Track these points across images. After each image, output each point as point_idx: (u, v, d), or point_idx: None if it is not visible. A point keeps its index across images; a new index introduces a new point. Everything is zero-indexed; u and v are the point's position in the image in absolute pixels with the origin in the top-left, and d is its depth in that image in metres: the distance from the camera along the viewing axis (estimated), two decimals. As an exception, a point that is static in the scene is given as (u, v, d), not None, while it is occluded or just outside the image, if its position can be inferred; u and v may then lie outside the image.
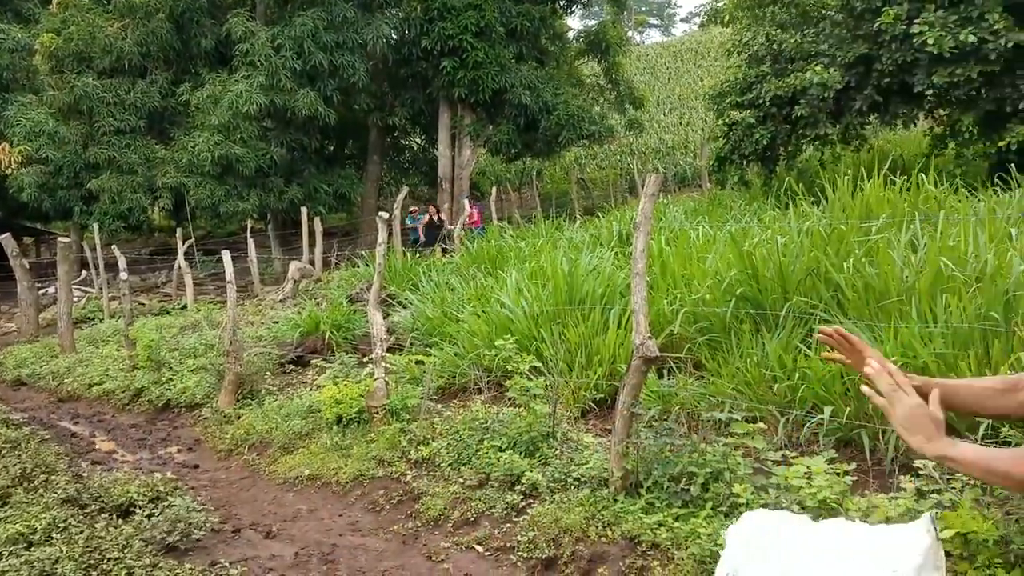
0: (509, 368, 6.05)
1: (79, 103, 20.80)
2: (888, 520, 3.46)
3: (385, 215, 6.60)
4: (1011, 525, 3.25)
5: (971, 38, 10.57)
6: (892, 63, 11.57)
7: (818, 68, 12.19)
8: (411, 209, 19.62)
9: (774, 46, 13.79)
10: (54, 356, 11.30)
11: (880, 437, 4.49)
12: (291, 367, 8.83)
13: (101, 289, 16.61)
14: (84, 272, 21.65)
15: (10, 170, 21.31)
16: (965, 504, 3.17)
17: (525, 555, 4.14)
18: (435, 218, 18.55)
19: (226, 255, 8.59)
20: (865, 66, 12.21)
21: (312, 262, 16.66)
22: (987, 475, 1.76)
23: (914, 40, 11.03)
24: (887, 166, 7.64)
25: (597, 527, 4.12)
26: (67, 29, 20.94)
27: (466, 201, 18.93)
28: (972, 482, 3.45)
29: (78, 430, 7.90)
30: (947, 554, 3.26)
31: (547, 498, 4.56)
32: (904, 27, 11.18)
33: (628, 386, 4.28)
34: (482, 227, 17.95)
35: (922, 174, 7.77)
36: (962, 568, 3.08)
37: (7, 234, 13.67)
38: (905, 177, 7.47)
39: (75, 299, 17.96)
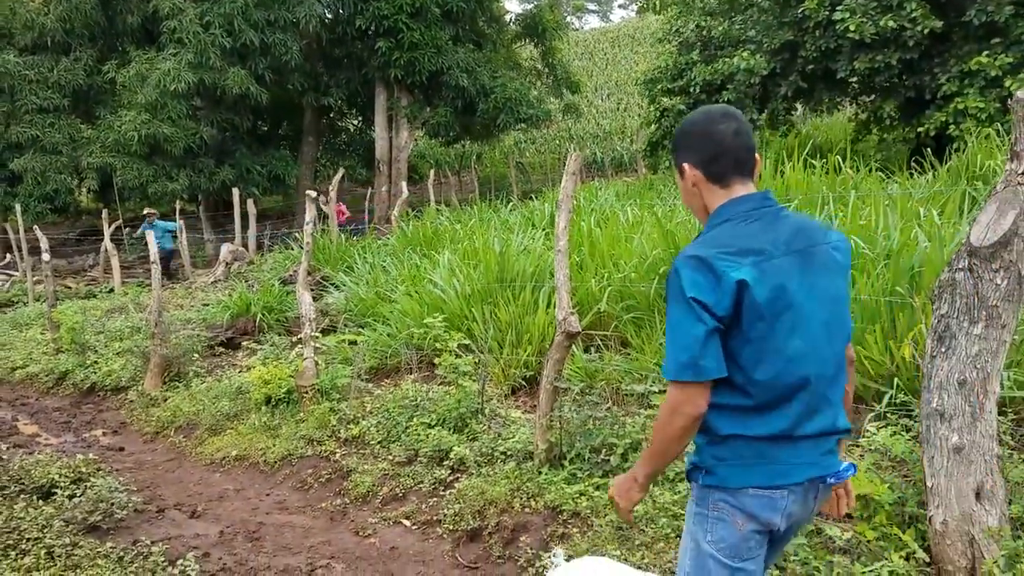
0: (439, 347, 6.11)
1: (0, 81, 20.02)
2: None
3: (313, 194, 6.57)
4: (907, 488, 3.44)
5: (891, 24, 10.91)
6: (816, 49, 11.88)
7: (745, 54, 12.46)
8: (147, 212, 17.23)
9: (704, 33, 14.05)
10: (-27, 340, 10.95)
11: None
12: (221, 349, 8.73)
13: (25, 272, 16.10)
14: (8, 255, 20.93)
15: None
16: (863, 468, 3.35)
17: (451, 527, 4.22)
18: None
19: (150, 235, 8.44)
20: (791, 52, 12.52)
21: (245, 244, 16.41)
22: (661, 454, 1.97)
23: (837, 26, 11.35)
24: (808, 151, 7.89)
25: (521, 498, 4.22)
26: (-15, 3, 20.14)
27: (333, 197, 18.54)
28: (872, 448, 3.64)
29: (0, 414, 7.71)
30: (848, 516, 3.45)
31: (474, 472, 4.64)
32: (827, 13, 11.48)
33: (552, 361, 4.37)
34: (356, 225, 17.57)
35: (842, 159, 8.04)
36: (860, 528, 3.25)
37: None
38: (824, 161, 7.72)
39: (-3, 283, 17.41)
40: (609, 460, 4.20)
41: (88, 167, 20.00)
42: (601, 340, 6.12)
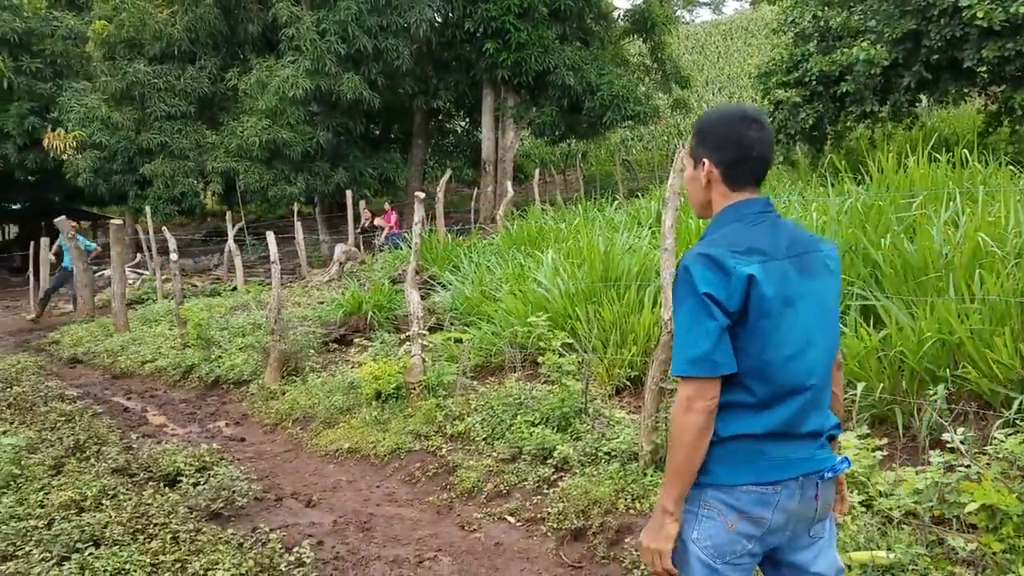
0: (543, 346, 6.12)
1: (131, 89, 21.26)
2: (916, 493, 3.46)
3: (422, 195, 6.71)
4: (1039, 499, 3.23)
5: (1022, 10, 10.25)
6: (941, 38, 11.28)
7: (864, 44, 11.95)
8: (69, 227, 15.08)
9: (821, 23, 13.54)
10: (109, 335, 11.68)
11: (915, 414, 4.47)
12: (334, 345, 9.01)
13: (155, 271, 17.05)
14: (139, 255, 22.22)
15: (66, 155, 21.93)
16: (989, 477, 3.16)
17: (555, 526, 4.22)
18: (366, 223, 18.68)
19: (270, 236, 8.77)
20: (914, 42, 11.92)
21: (357, 245, 16.89)
22: (685, 462, 1.92)
23: (963, 14, 10.74)
24: (932, 144, 7.51)
25: (626, 500, 4.18)
26: (118, 16, 21.40)
27: (386, 206, 19.30)
28: (999, 456, 3.43)
29: (130, 405, 8.18)
30: (972, 527, 3.27)
31: (578, 472, 4.63)
32: (953, 1, 10.88)
33: (657, 361, 4.32)
34: (397, 233, 17.58)
35: (966, 151, 7.61)
36: (985, 540, 3.07)
37: (62, 217, 14.11)
38: (950, 155, 7.33)
39: (129, 281, 18.49)
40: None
41: (213, 171, 21.01)
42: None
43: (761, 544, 1.97)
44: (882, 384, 4.61)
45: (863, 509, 3.53)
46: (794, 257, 1.96)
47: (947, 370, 4.48)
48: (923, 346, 4.52)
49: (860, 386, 4.57)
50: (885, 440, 4.19)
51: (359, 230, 18.49)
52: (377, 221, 18.80)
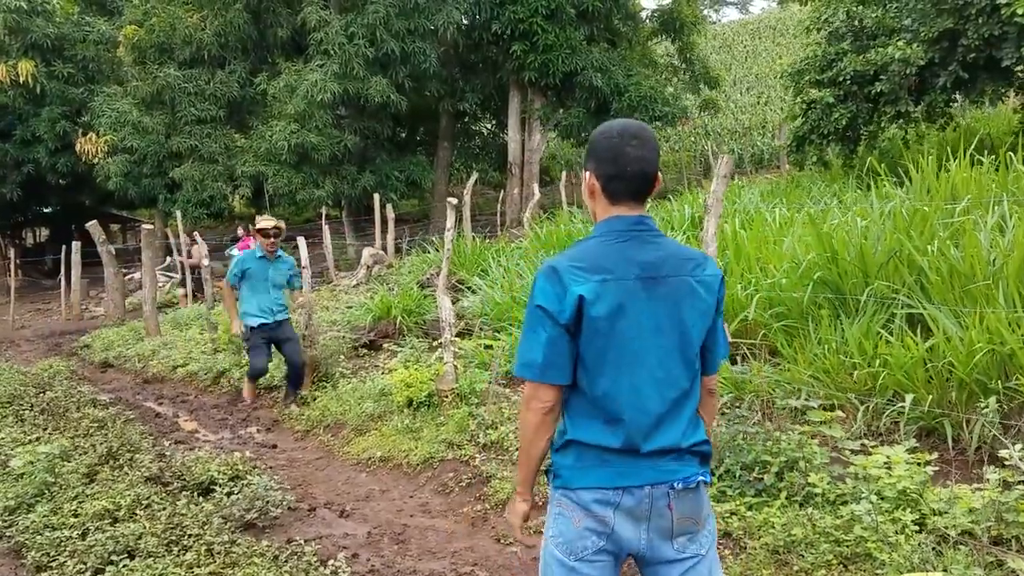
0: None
1: (161, 93, 21.45)
2: (971, 512, 3.34)
3: (454, 201, 6.64)
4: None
5: (1065, 8, 10.00)
6: (978, 37, 11.03)
7: (900, 44, 11.72)
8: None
9: (855, 22, 13.31)
10: (139, 339, 11.75)
11: (964, 427, 4.33)
12: (364, 351, 8.98)
13: (185, 275, 17.16)
14: (168, 258, 22.41)
15: (97, 159, 22.16)
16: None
17: (594, 540, 4.12)
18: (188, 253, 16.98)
19: (301, 241, 8.77)
20: (950, 41, 11.68)
21: (384, 248, 16.88)
22: (524, 452, 2.12)
23: (1002, 12, 10.49)
24: (974, 145, 7.32)
25: (667, 514, 4.07)
26: (149, 21, 21.61)
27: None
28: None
29: (162, 410, 8.20)
30: None
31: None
32: (991, -1, 10.65)
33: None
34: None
35: (1011, 153, 7.42)
36: (1052, 564, 2.95)
37: (94, 221, 14.24)
38: (993, 157, 7.14)
39: (160, 284, 18.63)
40: (763, 479, 4.00)
41: (242, 175, 21.14)
42: (748, 349, 5.87)
43: (613, 544, 2.05)
44: (931, 396, 4.47)
45: (916, 528, 3.41)
46: (648, 279, 2.01)
47: (999, 382, 4.34)
48: (973, 357, 4.37)
49: (908, 398, 4.44)
50: (935, 454, 4.07)
51: (187, 260, 17.08)
52: (233, 251, 16.66)
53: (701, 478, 2.07)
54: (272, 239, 7.56)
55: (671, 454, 2.04)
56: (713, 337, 2.14)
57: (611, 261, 2.02)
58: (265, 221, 7.62)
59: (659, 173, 2.12)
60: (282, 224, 7.70)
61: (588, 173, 2.13)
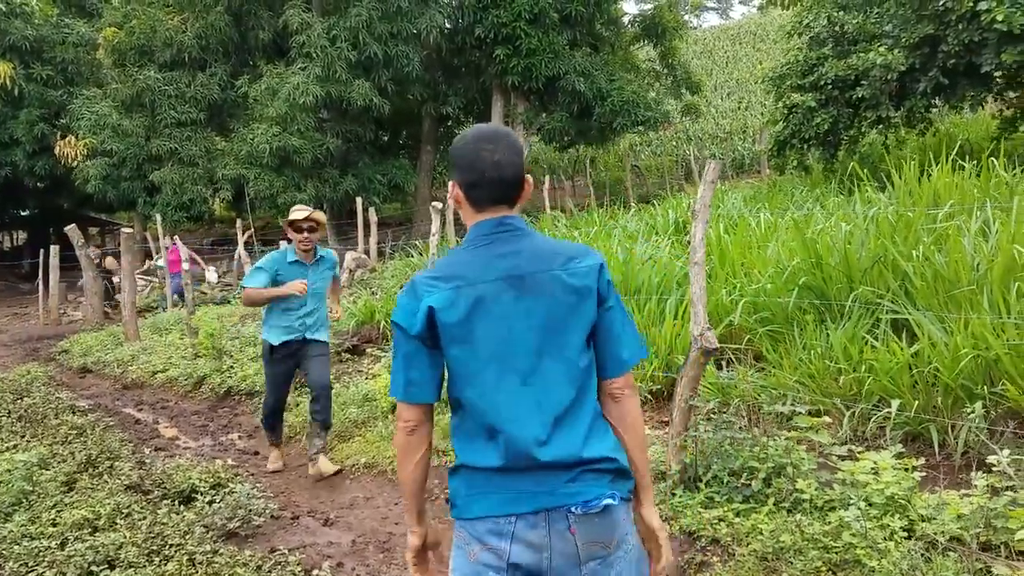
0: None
1: (141, 96, 21.25)
2: (960, 518, 3.34)
3: (439, 205, 6.60)
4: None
5: (1043, 14, 10.12)
6: (958, 43, 11.14)
7: (881, 49, 11.82)
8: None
9: (836, 27, 13.41)
10: (119, 344, 11.61)
11: (949, 432, 4.34)
12: (347, 356, 8.91)
13: (164, 279, 17.00)
14: (148, 262, 22.20)
15: (76, 162, 21.92)
16: (1044, 504, 3.03)
17: (581, 548, 4.09)
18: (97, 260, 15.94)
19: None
20: (930, 47, 11.79)
21: (367, 252, 16.81)
22: (400, 475, 2.06)
23: (982, 18, 10.60)
24: (955, 151, 7.37)
25: (655, 521, 4.05)
26: (129, 23, 21.40)
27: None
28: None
29: (142, 417, 8.10)
30: (1021, 554, 3.14)
31: (603, 490, 4.50)
32: (971, 5, 10.75)
33: (686, 378, 4.20)
34: (179, 274, 14.53)
35: (992, 159, 7.48)
36: (1040, 571, 2.95)
37: (72, 225, 14.08)
38: (974, 162, 7.20)
39: (139, 288, 18.46)
40: (750, 485, 3.99)
41: (223, 178, 20.96)
42: (733, 354, 5.87)
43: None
44: (916, 401, 4.48)
45: (904, 534, 3.41)
46: (512, 279, 1.90)
47: (984, 387, 4.35)
48: (958, 362, 4.39)
49: (895, 403, 4.45)
50: (921, 460, 4.08)
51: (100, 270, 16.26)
52: (160, 261, 16.30)
53: (609, 500, 1.88)
54: (306, 235, 5.57)
55: (567, 472, 1.88)
56: (607, 335, 1.97)
57: (470, 266, 1.93)
58: (297, 211, 5.62)
59: (526, 176, 2.03)
60: (320, 216, 5.67)
61: (451, 185, 2.06)
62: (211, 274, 17.57)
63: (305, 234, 5.57)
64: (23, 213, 31.05)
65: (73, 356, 11.76)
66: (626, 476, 1.96)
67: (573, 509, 1.86)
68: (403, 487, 2.05)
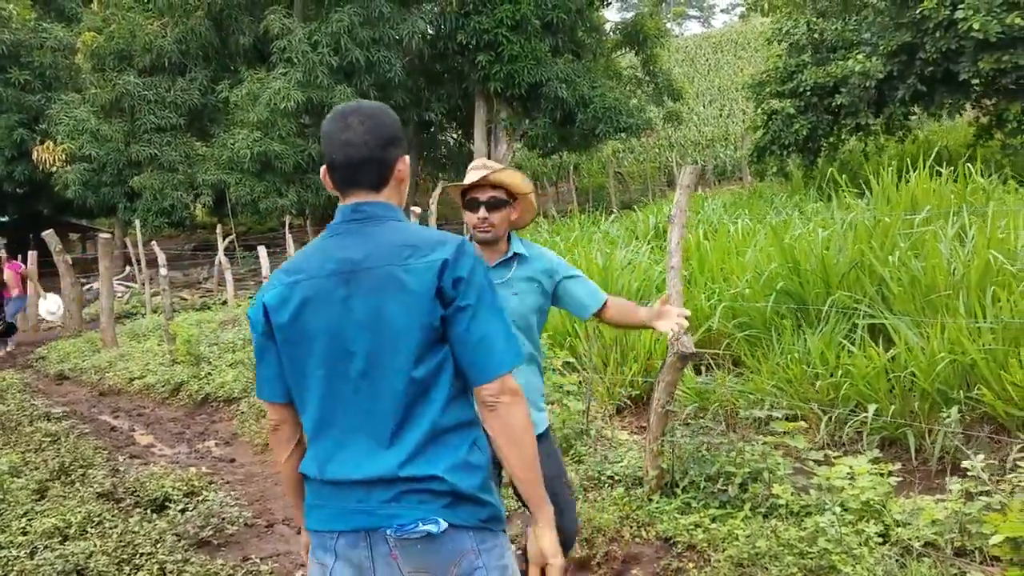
0: (543, 365, 5.98)
1: (121, 101, 21.09)
2: (935, 523, 3.34)
3: (418, 209, 6.58)
4: (1066, 530, 3.11)
5: (1018, 21, 10.23)
6: (936, 51, 11.25)
7: (860, 57, 11.92)
8: None
9: (815, 35, 13.53)
10: (96, 351, 11.47)
11: (926, 436, 4.35)
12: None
13: (144, 284, 16.84)
14: (128, 268, 22.00)
15: (55, 167, 21.70)
16: (1015, 507, 3.03)
17: (558, 555, 4.06)
18: None
19: (262, 250, 8.64)
20: (908, 55, 11.90)
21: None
22: (289, 496, 2.00)
23: (959, 26, 10.72)
24: (932, 157, 7.43)
25: (631, 527, 4.03)
26: (108, 28, 21.25)
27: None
28: (1022, 484, 3.31)
29: (118, 424, 7.99)
30: (996, 559, 3.14)
31: (580, 497, 4.47)
32: (948, 13, 10.86)
33: (663, 383, 4.18)
34: (23, 299, 13.53)
35: (969, 164, 7.54)
36: (1012, 574, 2.94)
37: (50, 231, 13.90)
38: (951, 168, 7.25)
39: (118, 294, 18.27)
40: (727, 490, 3.97)
41: (203, 184, 20.83)
42: (712, 359, 5.87)
43: None
44: (893, 406, 4.49)
45: (880, 540, 3.40)
46: (345, 274, 1.74)
47: (960, 392, 4.37)
48: (935, 367, 4.40)
49: (871, 408, 4.45)
50: (898, 465, 4.08)
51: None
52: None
53: (430, 526, 1.68)
54: (485, 215, 2.81)
55: (387, 490, 1.71)
56: (464, 338, 1.73)
57: (311, 259, 1.80)
58: (471, 170, 2.89)
59: (387, 158, 1.82)
60: (510, 177, 2.81)
61: (322, 170, 1.91)
62: (49, 303, 13.98)
63: (483, 213, 2.80)
64: (2, 219, 30.66)
65: (50, 363, 11.61)
66: (476, 502, 1.76)
67: (389, 532, 1.70)
68: (283, 486, 1.98)
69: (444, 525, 1.69)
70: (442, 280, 1.71)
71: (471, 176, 2.84)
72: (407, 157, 1.90)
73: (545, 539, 1.89)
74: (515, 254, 2.89)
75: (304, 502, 1.90)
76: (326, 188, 1.89)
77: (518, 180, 2.80)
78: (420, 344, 1.71)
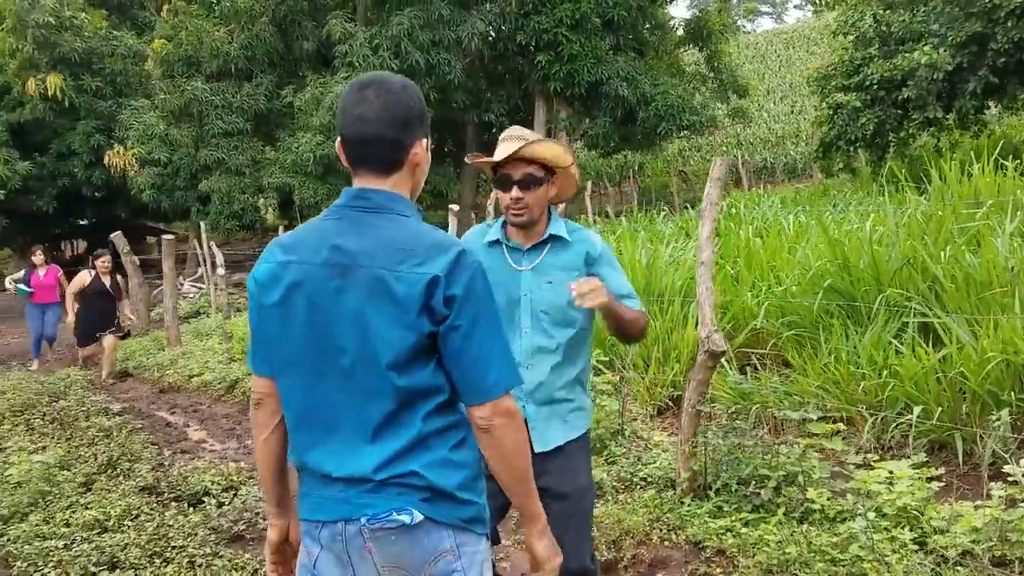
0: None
1: (189, 106, 21.65)
2: (974, 530, 3.15)
3: (456, 207, 6.56)
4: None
5: (1099, 8, 9.74)
6: (1008, 41, 10.78)
7: (926, 48, 11.48)
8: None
9: (882, 27, 13.09)
10: (160, 349, 11.80)
11: (977, 441, 4.12)
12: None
13: (215, 285, 17.28)
14: (199, 269, 22.60)
15: (130, 171, 22.43)
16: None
17: (584, 557, 3.97)
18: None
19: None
20: (979, 45, 11.42)
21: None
22: (261, 482, 1.90)
23: (1034, 14, 10.25)
24: (998, 151, 7.08)
25: (660, 530, 3.92)
26: (177, 35, 21.88)
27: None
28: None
29: (173, 420, 8.18)
30: None
31: (611, 498, 4.38)
32: (1021, 1, 10.38)
33: (694, 382, 4.06)
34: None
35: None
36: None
37: (118, 232, 14.35)
38: (1018, 161, 6.90)
39: (190, 295, 18.81)
40: (760, 494, 3.83)
41: (269, 186, 21.26)
42: (758, 359, 5.70)
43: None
44: (941, 408, 4.27)
45: (915, 547, 3.23)
46: (336, 266, 1.66)
47: (1012, 394, 4.13)
48: (986, 367, 4.17)
49: (916, 410, 4.24)
50: (943, 469, 3.88)
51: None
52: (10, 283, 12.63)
53: (404, 517, 1.64)
54: (519, 194, 2.50)
55: (364, 485, 1.68)
56: (457, 358, 1.65)
57: (306, 240, 1.73)
58: (507, 142, 2.52)
59: (402, 140, 1.73)
60: (548, 150, 2.49)
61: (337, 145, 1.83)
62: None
63: (516, 193, 2.52)
64: (82, 223, 31.87)
65: (116, 360, 11.98)
66: (456, 501, 1.70)
67: (364, 523, 1.66)
68: (258, 470, 1.87)
69: (419, 517, 1.65)
70: (432, 298, 1.62)
71: (503, 148, 2.49)
72: (426, 141, 1.80)
73: (539, 546, 1.85)
74: (551, 236, 2.56)
75: (278, 490, 1.89)
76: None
77: (558, 152, 2.49)
78: (403, 354, 1.64)
